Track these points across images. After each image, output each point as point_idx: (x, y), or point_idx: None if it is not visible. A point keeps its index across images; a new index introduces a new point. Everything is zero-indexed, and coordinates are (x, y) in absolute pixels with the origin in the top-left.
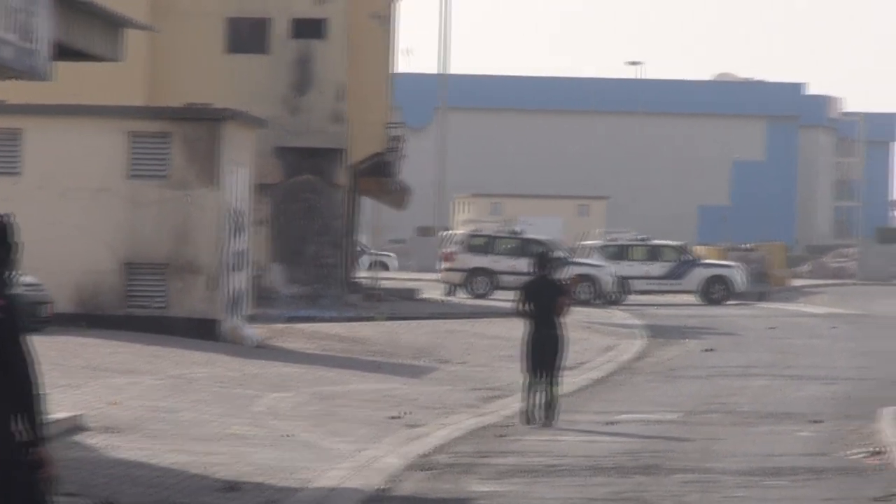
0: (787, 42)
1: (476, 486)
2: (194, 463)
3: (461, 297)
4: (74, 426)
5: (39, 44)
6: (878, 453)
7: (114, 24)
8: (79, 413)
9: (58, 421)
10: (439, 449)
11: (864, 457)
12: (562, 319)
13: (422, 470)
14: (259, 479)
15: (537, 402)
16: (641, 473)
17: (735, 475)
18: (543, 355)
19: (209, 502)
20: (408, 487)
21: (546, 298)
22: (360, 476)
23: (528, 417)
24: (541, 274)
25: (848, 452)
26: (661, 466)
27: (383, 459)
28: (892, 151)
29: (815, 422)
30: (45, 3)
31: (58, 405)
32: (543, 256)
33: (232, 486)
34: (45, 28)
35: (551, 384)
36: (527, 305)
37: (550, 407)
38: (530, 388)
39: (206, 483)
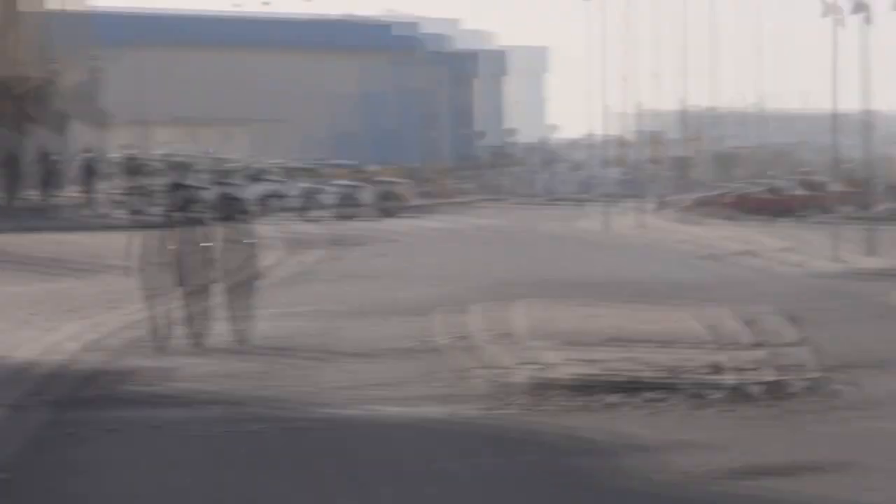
0: None
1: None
2: None
3: None
4: None
5: None
6: (463, 338)
7: None
8: None
9: None
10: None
11: (453, 341)
12: None
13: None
14: None
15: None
16: (275, 355)
17: (348, 356)
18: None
19: None
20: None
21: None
22: None
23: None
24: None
25: (437, 338)
26: (291, 350)
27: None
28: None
29: (418, 315)
30: None
31: None
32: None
33: None
34: None
35: None
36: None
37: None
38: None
39: None
